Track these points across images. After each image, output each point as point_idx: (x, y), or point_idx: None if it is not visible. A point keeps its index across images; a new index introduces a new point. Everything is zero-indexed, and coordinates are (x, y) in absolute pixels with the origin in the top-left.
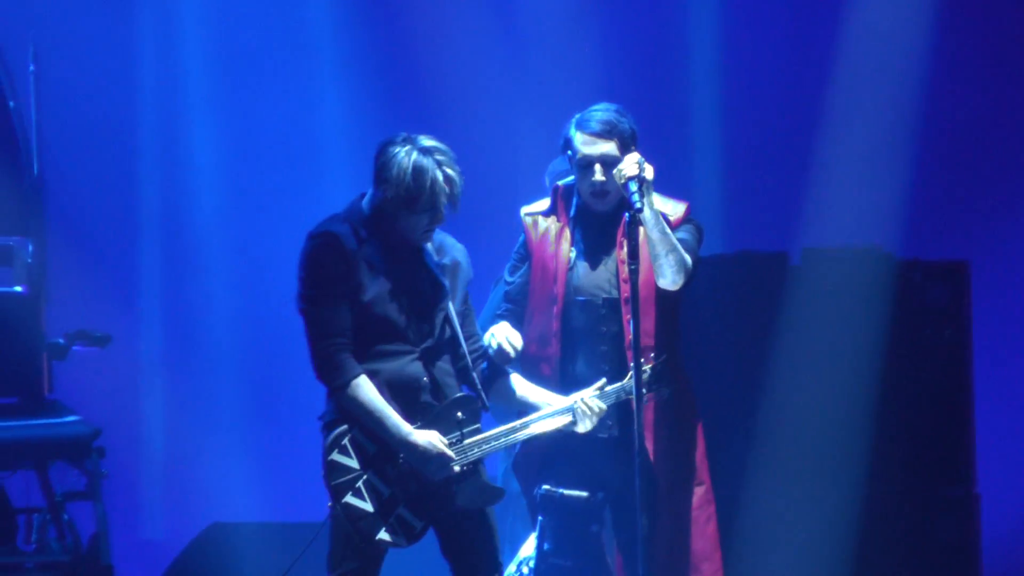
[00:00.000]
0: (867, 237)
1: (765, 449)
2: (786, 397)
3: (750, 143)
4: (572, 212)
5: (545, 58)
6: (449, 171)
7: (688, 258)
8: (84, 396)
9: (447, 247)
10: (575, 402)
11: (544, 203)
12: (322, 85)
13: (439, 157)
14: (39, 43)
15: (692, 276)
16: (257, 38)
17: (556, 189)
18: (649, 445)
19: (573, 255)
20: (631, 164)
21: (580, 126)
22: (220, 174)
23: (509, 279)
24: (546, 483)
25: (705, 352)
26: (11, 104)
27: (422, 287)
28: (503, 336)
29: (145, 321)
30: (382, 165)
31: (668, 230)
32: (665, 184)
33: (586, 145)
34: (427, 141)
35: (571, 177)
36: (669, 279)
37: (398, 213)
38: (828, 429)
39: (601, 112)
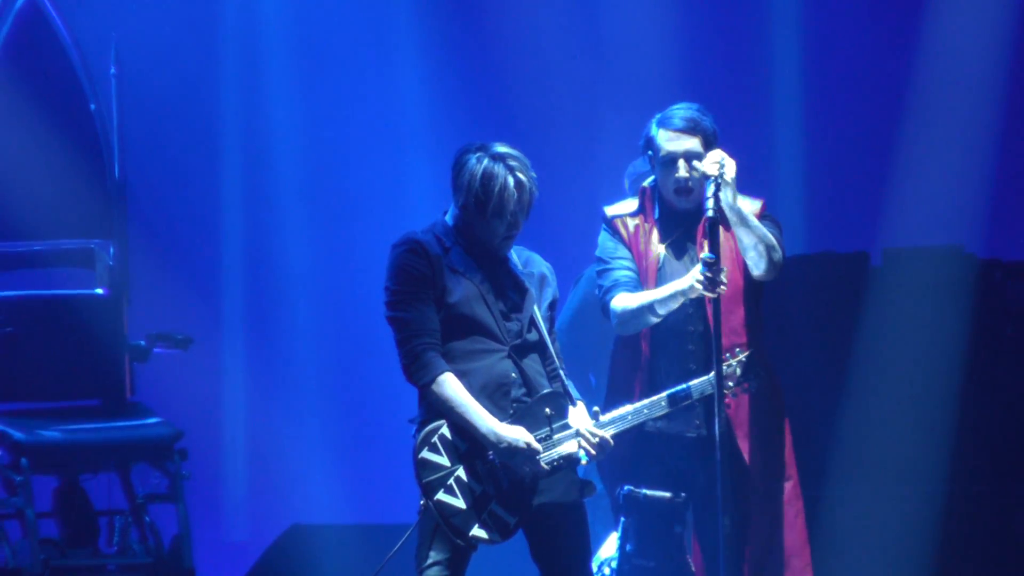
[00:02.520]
0: (948, 237)
1: (848, 447)
2: (868, 396)
3: (831, 144)
4: (657, 213)
5: (627, 60)
6: (521, 177)
7: (775, 241)
8: (166, 398)
9: (534, 262)
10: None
11: (630, 204)
12: (405, 87)
13: (511, 163)
14: (121, 46)
15: (782, 263)
16: (341, 39)
17: (643, 191)
18: (742, 443)
19: (662, 254)
20: (711, 164)
21: (663, 123)
22: (303, 176)
23: (623, 263)
24: (629, 483)
25: (787, 352)
26: (93, 107)
27: (508, 291)
28: None
29: (227, 323)
30: (456, 173)
31: (752, 221)
32: (746, 185)
33: (670, 142)
34: (501, 148)
35: (653, 177)
36: (763, 269)
37: (473, 220)
38: (909, 428)
39: (683, 110)
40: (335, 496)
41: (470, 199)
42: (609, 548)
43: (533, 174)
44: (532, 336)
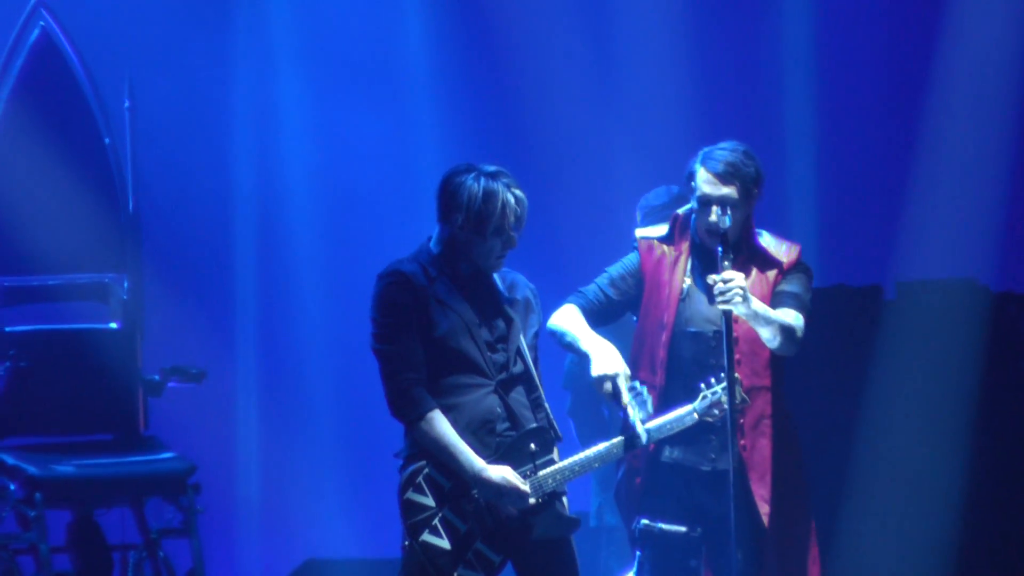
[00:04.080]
0: (961, 270)
1: (862, 480)
2: (881, 429)
3: (844, 176)
4: (688, 242)
5: (640, 94)
6: (517, 192)
7: (794, 324)
8: (180, 432)
9: (519, 285)
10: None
11: (661, 229)
12: (417, 120)
13: (505, 180)
14: (134, 79)
15: (802, 336)
16: (352, 75)
17: (676, 218)
18: (755, 487)
19: (687, 285)
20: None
21: (705, 162)
22: (315, 210)
23: (608, 281)
24: (645, 517)
25: (801, 386)
26: (107, 140)
27: (494, 321)
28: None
29: (240, 357)
30: (450, 195)
31: (769, 315)
32: (761, 218)
33: (707, 184)
34: (490, 167)
35: (690, 205)
36: (776, 348)
37: (470, 241)
38: (924, 462)
39: (728, 152)
40: (350, 530)
41: (470, 219)
42: None
43: (522, 190)
44: (517, 368)
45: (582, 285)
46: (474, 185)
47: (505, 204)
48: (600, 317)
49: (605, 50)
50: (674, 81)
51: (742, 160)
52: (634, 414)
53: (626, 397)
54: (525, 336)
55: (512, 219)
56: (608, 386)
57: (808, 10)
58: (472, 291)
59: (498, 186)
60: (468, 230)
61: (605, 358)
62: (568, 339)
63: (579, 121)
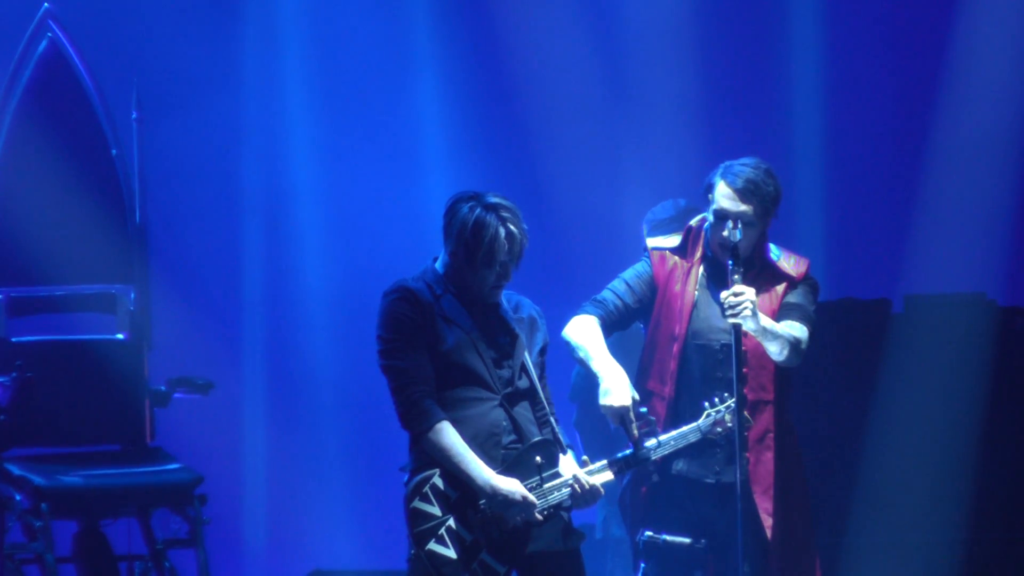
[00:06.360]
0: (969, 284)
1: (869, 494)
2: (889, 443)
3: (852, 190)
4: (700, 254)
5: (648, 106)
6: (512, 228)
7: (800, 336)
8: (186, 443)
9: (524, 305)
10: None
11: (673, 240)
12: (426, 128)
13: (503, 214)
14: (142, 90)
15: (806, 348)
16: (364, 86)
17: (689, 229)
18: (760, 500)
19: (697, 296)
20: (731, 299)
21: (725, 176)
22: (324, 221)
23: (625, 288)
24: (649, 529)
25: (809, 399)
26: (114, 152)
27: (499, 338)
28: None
29: (247, 368)
30: (448, 220)
31: (776, 331)
32: (769, 230)
33: (725, 199)
34: (494, 198)
35: (703, 216)
36: (783, 360)
37: (463, 268)
38: (930, 476)
39: (750, 169)
40: (356, 541)
41: (460, 247)
42: None
43: (525, 225)
44: (523, 383)
45: (579, 299)
46: (468, 215)
47: (495, 238)
48: (616, 326)
49: (614, 64)
50: (682, 93)
51: (763, 179)
52: (640, 439)
53: (635, 432)
54: (530, 353)
55: (502, 254)
56: (617, 420)
57: (817, 22)
58: (477, 308)
59: (491, 218)
60: (460, 258)
61: (615, 389)
62: (581, 354)
63: (586, 135)
